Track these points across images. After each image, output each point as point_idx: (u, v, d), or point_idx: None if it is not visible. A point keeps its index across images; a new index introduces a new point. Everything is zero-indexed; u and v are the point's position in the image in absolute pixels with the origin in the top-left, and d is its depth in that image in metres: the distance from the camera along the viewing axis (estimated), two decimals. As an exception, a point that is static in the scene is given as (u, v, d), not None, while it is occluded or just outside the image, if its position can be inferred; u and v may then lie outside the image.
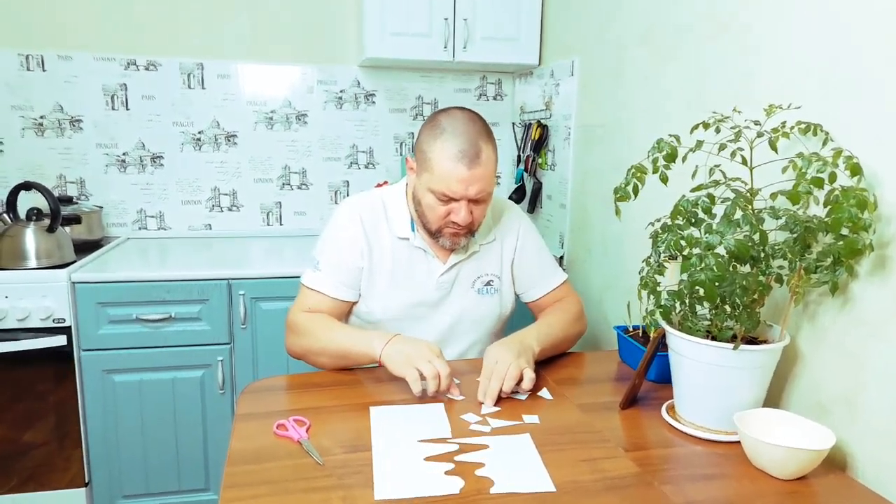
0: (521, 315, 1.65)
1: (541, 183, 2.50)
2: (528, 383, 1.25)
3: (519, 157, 2.64)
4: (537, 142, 2.44)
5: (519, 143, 2.67)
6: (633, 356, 1.44)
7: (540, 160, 2.47)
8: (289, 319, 1.46)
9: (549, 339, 1.44)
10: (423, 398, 1.24)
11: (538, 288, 1.60)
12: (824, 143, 1.10)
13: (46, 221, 1.99)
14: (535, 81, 2.56)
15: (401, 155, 2.76)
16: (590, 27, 2.08)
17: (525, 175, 2.57)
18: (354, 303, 1.50)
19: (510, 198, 2.62)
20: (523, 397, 1.27)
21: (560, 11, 2.32)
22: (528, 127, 2.56)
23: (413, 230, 1.49)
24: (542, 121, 2.44)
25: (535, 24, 2.43)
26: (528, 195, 2.57)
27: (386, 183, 2.64)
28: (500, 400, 1.24)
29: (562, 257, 2.30)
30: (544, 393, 1.29)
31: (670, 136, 1.16)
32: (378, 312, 1.48)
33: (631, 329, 1.53)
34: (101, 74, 2.44)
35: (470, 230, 1.43)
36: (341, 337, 1.38)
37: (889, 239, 1.01)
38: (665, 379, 1.32)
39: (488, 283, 1.54)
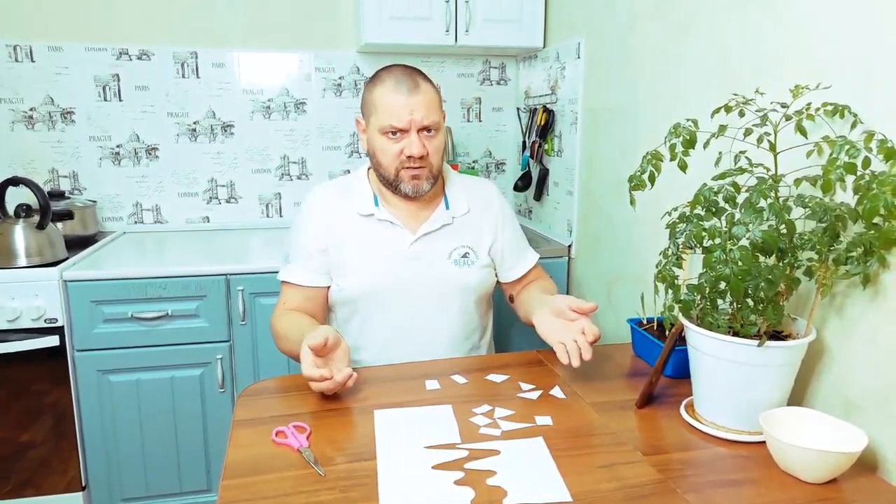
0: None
1: (547, 169, 2.43)
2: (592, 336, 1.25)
3: (524, 143, 2.57)
4: (543, 127, 2.37)
5: (524, 128, 2.60)
6: (649, 351, 1.38)
7: (546, 146, 2.40)
8: (270, 320, 1.48)
9: None
10: (432, 401, 1.19)
11: (521, 266, 1.59)
12: (853, 126, 1.03)
13: (36, 218, 1.93)
14: (539, 65, 2.48)
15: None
16: (596, 5, 2.00)
17: (531, 162, 2.50)
18: (328, 289, 1.50)
19: (516, 185, 2.55)
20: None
21: (565, -9, 2.24)
22: (533, 112, 2.48)
23: (377, 205, 1.47)
24: (548, 105, 2.36)
25: (538, 4, 2.35)
26: (534, 182, 2.50)
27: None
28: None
29: (570, 246, 2.24)
30: (556, 391, 1.24)
31: (688, 120, 1.09)
32: (352, 290, 1.46)
33: (645, 322, 1.46)
34: (93, 65, 2.37)
35: (429, 171, 1.42)
36: (293, 341, 1.32)
37: (926, 228, 0.94)
38: (681, 374, 1.27)
39: (465, 256, 1.50)
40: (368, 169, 1.53)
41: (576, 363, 1.22)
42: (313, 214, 1.48)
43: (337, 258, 1.46)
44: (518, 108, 2.72)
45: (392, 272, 1.45)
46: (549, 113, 2.35)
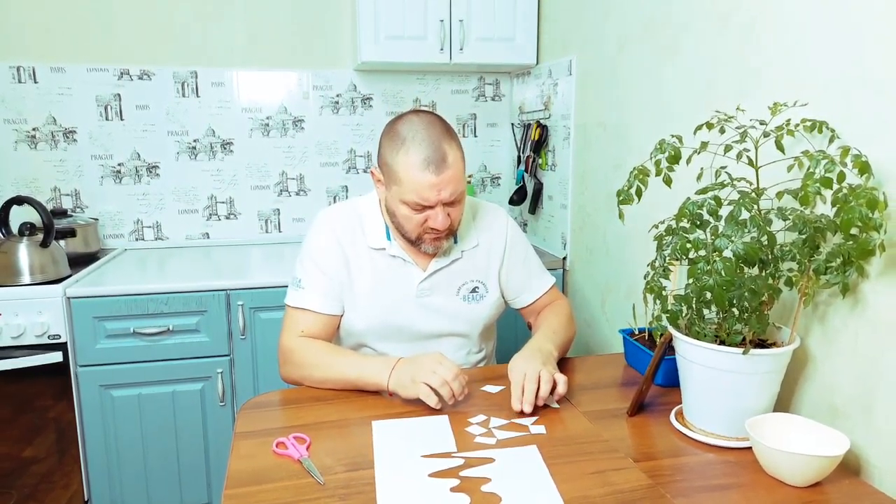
0: (509, 315, 1.64)
1: (541, 183, 2.47)
2: (563, 387, 1.23)
3: (519, 157, 2.62)
4: (537, 142, 2.41)
5: (518, 143, 2.64)
6: (640, 361, 1.41)
7: (540, 160, 2.44)
8: (282, 346, 1.40)
9: (561, 343, 1.43)
10: (429, 411, 1.21)
11: (528, 294, 1.57)
12: (830, 141, 1.07)
13: (40, 236, 1.97)
14: (532, 81, 2.53)
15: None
16: (587, 25, 2.05)
17: (526, 176, 2.54)
18: (342, 317, 1.46)
19: (511, 199, 2.59)
20: (557, 405, 1.25)
21: (556, 10, 2.29)
22: (527, 127, 2.53)
23: (389, 239, 1.44)
24: (542, 121, 2.41)
25: (531, 23, 2.40)
26: (528, 196, 2.54)
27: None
28: (535, 409, 1.21)
29: (564, 258, 2.28)
30: (550, 401, 1.26)
31: (672, 136, 1.13)
32: (359, 323, 1.44)
33: (636, 332, 1.50)
34: (95, 85, 2.41)
35: (450, 232, 1.40)
36: (346, 368, 1.31)
37: (901, 238, 0.98)
38: (672, 383, 1.29)
39: (474, 290, 1.50)
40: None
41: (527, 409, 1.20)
42: (330, 242, 1.43)
43: (349, 290, 1.43)
44: (512, 124, 2.77)
45: (401, 310, 1.44)
46: (542, 128, 2.39)
